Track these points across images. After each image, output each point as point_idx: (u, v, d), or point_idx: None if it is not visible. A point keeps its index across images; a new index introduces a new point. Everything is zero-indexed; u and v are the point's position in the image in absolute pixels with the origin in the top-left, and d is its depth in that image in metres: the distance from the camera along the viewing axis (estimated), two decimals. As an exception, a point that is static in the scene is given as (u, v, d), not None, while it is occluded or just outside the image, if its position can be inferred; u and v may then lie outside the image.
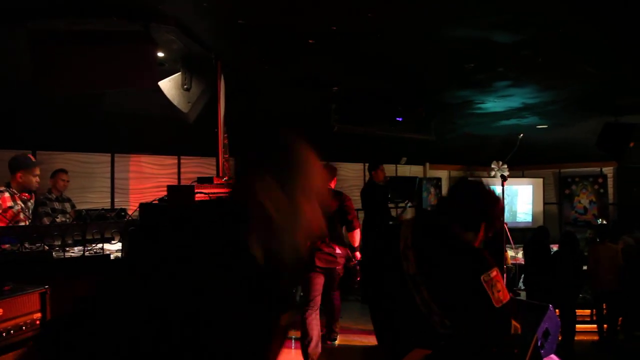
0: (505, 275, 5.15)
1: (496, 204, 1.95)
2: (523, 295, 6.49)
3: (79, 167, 5.72)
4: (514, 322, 1.70)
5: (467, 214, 1.89)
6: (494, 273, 1.73)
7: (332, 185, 5.00)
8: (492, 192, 1.96)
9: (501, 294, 1.71)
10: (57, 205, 4.98)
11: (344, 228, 4.80)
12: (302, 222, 1.13)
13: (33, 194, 4.36)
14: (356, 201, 7.13)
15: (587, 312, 7.13)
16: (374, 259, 2.15)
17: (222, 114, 3.82)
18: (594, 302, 6.74)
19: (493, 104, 6.40)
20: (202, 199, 2.90)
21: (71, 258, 3.30)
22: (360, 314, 6.03)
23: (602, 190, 10.07)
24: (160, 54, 3.79)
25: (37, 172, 4.22)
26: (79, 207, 5.15)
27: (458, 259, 1.78)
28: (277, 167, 1.13)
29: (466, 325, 1.70)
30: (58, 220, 4.74)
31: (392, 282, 1.87)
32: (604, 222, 8.74)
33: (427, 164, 10.18)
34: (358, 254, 4.89)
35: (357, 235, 4.84)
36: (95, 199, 5.81)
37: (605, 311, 6.59)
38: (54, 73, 3.22)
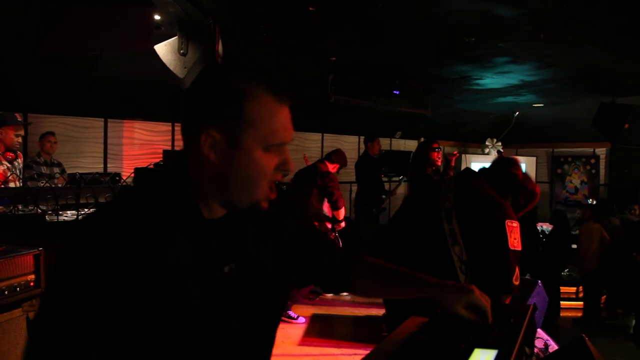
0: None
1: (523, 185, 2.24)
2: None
3: (71, 131, 5.65)
4: (517, 270, 1.97)
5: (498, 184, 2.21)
6: (516, 225, 2.01)
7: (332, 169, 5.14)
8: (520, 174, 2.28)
9: (516, 242, 1.98)
10: (44, 169, 4.90)
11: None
12: (260, 176, 0.94)
13: (19, 154, 4.29)
14: (351, 173, 7.14)
15: (573, 289, 7.30)
16: (415, 198, 2.53)
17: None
18: (581, 279, 6.89)
19: (491, 80, 6.36)
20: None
21: (64, 222, 3.29)
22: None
23: (593, 171, 10.16)
24: (157, 17, 3.70)
25: (21, 132, 4.14)
26: (71, 171, 5.09)
27: (492, 203, 2.08)
28: (224, 120, 0.91)
29: (480, 259, 1.98)
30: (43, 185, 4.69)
31: (428, 215, 2.15)
32: (594, 202, 8.85)
33: (422, 139, 10.17)
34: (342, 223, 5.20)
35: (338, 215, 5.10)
36: (88, 164, 5.76)
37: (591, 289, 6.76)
38: (48, 33, 3.15)
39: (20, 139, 4.13)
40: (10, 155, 4.06)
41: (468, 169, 2.47)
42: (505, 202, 2.16)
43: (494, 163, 2.38)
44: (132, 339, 0.85)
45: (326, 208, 5.08)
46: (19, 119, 4.13)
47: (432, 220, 2.10)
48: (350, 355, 4.04)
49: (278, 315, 1.13)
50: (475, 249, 2.02)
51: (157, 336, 0.86)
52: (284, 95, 0.97)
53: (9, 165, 4.03)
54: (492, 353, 0.98)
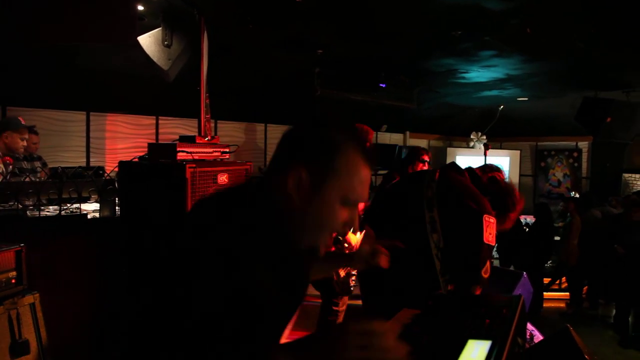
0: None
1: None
2: (497, 263, 6.67)
3: (52, 124, 5.53)
4: (488, 263, 2.05)
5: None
6: (493, 220, 2.07)
7: None
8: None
9: (491, 237, 2.04)
10: (25, 164, 4.79)
11: None
12: (330, 225, 1.04)
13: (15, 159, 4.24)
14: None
15: (556, 280, 7.43)
16: (394, 188, 2.61)
17: (205, 72, 3.70)
18: (567, 272, 7.03)
19: (477, 74, 6.39)
20: (184, 158, 2.83)
21: (46, 217, 3.22)
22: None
23: (576, 164, 10.30)
24: (140, 8, 3.64)
25: (26, 135, 4.12)
26: (52, 165, 4.99)
27: (471, 196, 2.13)
28: (315, 164, 1.01)
29: (455, 248, 2.04)
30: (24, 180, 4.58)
31: (411, 202, 2.20)
32: (577, 195, 8.98)
33: (407, 133, 10.21)
34: (350, 237, 4.37)
35: None
36: (70, 158, 5.65)
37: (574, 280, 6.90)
38: (27, 23, 3.06)
39: (25, 143, 4.13)
40: (8, 159, 4.02)
41: (454, 163, 2.50)
42: (485, 198, 2.21)
43: (480, 169, 2.44)
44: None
45: None
46: (23, 123, 4.07)
47: (414, 207, 2.17)
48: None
49: None
50: (452, 238, 2.09)
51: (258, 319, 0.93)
52: (372, 159, 1.06)
53: (3, 169, 3.97)
54: (486, 344, 0.98)
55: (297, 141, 1.05)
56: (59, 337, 2.79)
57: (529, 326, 2.56)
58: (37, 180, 4.38)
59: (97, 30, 3.14)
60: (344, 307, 3.73)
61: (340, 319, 3.70)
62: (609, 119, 6.62)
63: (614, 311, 6.08)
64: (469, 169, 2.43)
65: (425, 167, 4.21)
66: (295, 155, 1.02)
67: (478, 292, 2.08)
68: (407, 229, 2.16)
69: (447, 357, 0.94)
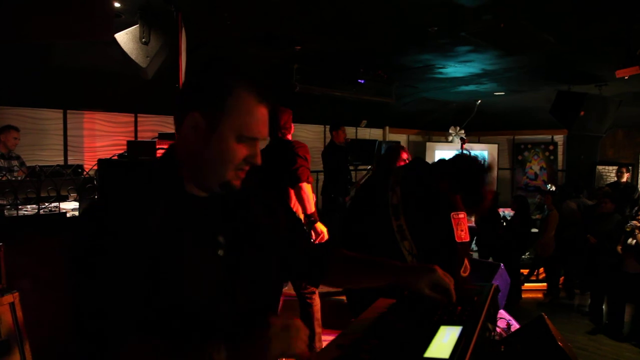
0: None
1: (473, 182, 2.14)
2: (476, 255, 6.80)
3: (29, 123, 5.45)
4: (466, 261, 2.00)
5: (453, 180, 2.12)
6: (462, 216, 2.00)
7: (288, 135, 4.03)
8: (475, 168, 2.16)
9: (463, 234, 1.98)
10: (2, 162, 4.74)
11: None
12: (229, 160, 1.08)
13: None
14: (317, 162, 7.16)
15: (535, 271, 7.60)
16: (362, 192, 2.47)
17: (183, 69, 3.69)
18: (544, 263, 7.20)
19: (454, 69, 6.47)
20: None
21: (25, 216, 3.19)
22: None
23: (552, 157, 10.51)
24: (117, 5, 3.61)
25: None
26: (30, 164, 4.93)
27: (437, 196, 2.05)
28: (207, 107, 1.06)
29: (428, 252, 1.97)
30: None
31: (376, 210, 2.13)
32: (553, 187, 9.17)
33: (387, 128, 10.29)
34: (319, 226, 3.66)
35: (303, 194, 3.54)
36: (47, 157, 5.57)
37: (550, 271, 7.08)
38: (0, 20, 3.02)
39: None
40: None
41: (416, 161, 2.39)
42: (452, 193, 2.09)
43: (459, 160, 2.24)
44: (148, 301, 0.98)
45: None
46: None
47: (382, 216, 2.08)
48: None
49: (273, 295, 1.25)
50: (424, 244, 2.03)
51: (165, 298, 0.99)
52: (264, 97, 1.11)
53: None
54: (457, 329, 1.03)
55: (192, 88, 1.11)
56: (40, 337, 2.77)
57: (507, 316, 2.63)
58: (15, 178, 4.33)
59: (74, 27, 3.10)
60: (316, 296, 3.80)
61: (318, 309, 3.79)
62: (582, 113, 6.77)
63: (589, 300, 6.26)
64: (439, 160, 2.33)
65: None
66: (190, 102, 1.08)
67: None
68: (376, 238, 2.12)
69: (419, 342, 0.98)
